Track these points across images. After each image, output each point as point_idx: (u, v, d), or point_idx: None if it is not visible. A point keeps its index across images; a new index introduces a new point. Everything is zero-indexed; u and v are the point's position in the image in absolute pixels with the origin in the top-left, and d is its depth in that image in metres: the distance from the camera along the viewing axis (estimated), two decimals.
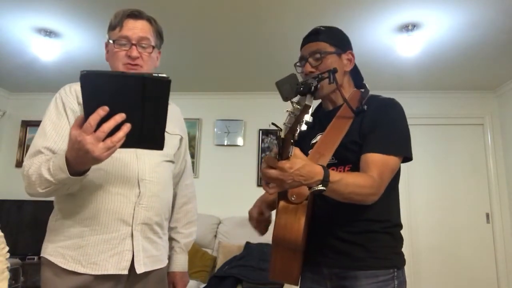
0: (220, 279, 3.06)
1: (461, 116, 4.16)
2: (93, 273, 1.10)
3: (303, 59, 1.25)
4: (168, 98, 0.87)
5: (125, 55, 1.20)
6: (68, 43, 3.23)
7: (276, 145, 0.90)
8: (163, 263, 1.28)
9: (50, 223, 1.20)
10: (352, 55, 1.27)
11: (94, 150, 0.86)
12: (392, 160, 1.12)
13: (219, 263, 3.47)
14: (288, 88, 0.79)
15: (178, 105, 1.48)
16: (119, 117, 0.85)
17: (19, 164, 4.44)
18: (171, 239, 1.42)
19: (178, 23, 2.88)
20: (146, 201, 1.18)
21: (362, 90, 1.27)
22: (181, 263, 1.42)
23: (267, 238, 1.27)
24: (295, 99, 0.81)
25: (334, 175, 0.98)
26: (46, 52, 3.19)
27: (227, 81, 4.13)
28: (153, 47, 1.25)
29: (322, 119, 1.27)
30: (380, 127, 1.14)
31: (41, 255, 1.17)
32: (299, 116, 0.78)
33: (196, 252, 3.46)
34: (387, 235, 1.17)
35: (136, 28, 1.21)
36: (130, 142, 0.90)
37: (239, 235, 3.61)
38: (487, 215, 3.97)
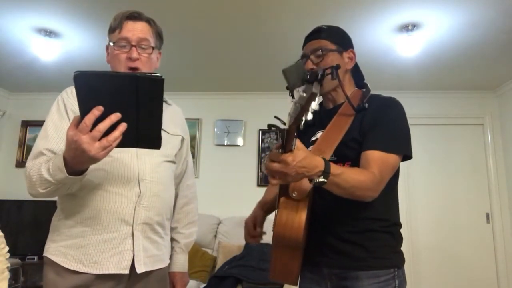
0: (220, 279, 3.06)
1: (461, 116, 4.16)
2: (94, 272, 1.11)
3: (304, 57, 1.26)
4: (162, 97, 0.89)
5: (125, 57, 1.21)
6: (68, 43, 3.23)
7: (279, 140, 0.90)
8: (164, 263, 1.29)
9: (53, 223, 1.21)
10: (354, 53, 1.28)
11: (90, 150, 0.87)
12: (392, 158, 1.12)
13: (219, 263, 3.47)
14: (294, 76, 0.78)
15: (178, 105, 1.48)
16: (115, 116, 0.87)
17: (19, 164, 4.45)
18: (171, 239, 1.42)
19: (178, 23, 2.88)
20: (146, 201, 1.19)
21: (363, 89, 1.27)
22: (181, 263, 1.42)
23: (267, 238, 1.27)
24: (301, 88, 0.81)
25: (335, 168, 0.99)
26: (46, 52, 3.19)
27: (227, 81, 4.13)
28: (153, 48, 1.26)
29: (322, 117, 1.28)
30: (381, 125, 1.15)
31: (43, 254, 1.18)
32: (305, 104, 0.77)
33: (196, 252, 3.46)
34: (387, 234, 1.17)
35: (135, 30, 1.22)
36: (127, 141, 0.91)
37: (239, 235, 3.60)
38: (487, 215, 3.97)
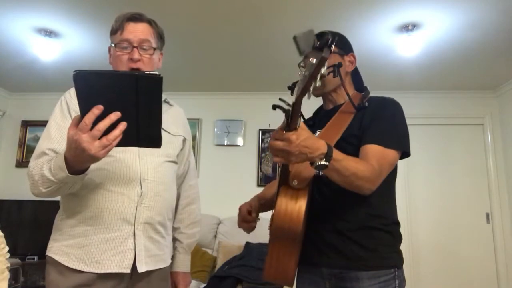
0: (220, 279, 3.06)
1: (461, 116, 4.16)
2: (96, 271, 1.12)
3: (307, 57, 1.26)
4: (161, 95, 0.89)
5: (127, 58, 1.22)
6: (68, 43, 3.23)
7: (284, 119, 0.91)
8: (166, 263, 1.29)
9: (56, 222, 1.22)
10: (354, 57, 1.31)
11: (90, 148, 0.88)
12: (391, 153, 1.13)
13: (219, 263, 3.47)
14: (305, 42, 0.77)
15: (178, 105, 1.48)
16: (114, 115, 0.87)
17: (19, 164, 4.45)
18: (174, 239, 1.43)
19: (178, 23, 2.88)
20: (148, 201, 1.20)
21: (363, 93, 1.29)
22: (183, 263, 1.43)
23: (268, 238, 1.28)
24: (311, 54, 0.79)
25: (337, 153, 0.99)
26: (46, 52, 3.19)
27: (227, 81, 4.13)
28: (154, 49, 1.27)
29: (322, 118, 1.30)
30: (380, 122, 1.17)
31: (46, 253, 1.18)
32: (314, 71, 0.76)
33: (196, 252, 3.46)
34: (386, 233, 1.17)
35: (137, 31, 1.23)
36: (127, 140, 0.91)
37: (239, 235, 3.60)
38: (487, 215, 3.97)
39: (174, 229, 1.43)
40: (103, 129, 0.87)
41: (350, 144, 1.17)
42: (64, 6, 2.69)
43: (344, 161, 1.00)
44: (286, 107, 0.86)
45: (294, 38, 0.77)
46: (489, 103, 4.15)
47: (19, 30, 3.03)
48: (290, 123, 0.90)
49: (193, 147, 4.30)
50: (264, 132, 4.31)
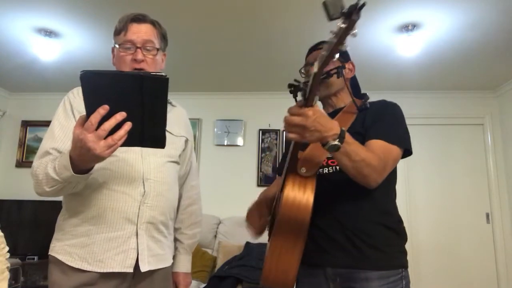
0: (220, 279, 3.06)
1: (461, 116, 4.16)
2: (99, 270, 1.12)
3: (308, 64, 1.30)
4: (166, 96, 0.89)
5: (131, 59, 1.23)
6: (68, 43, 3.23)
7: (302, 95, 0.91)
8: (167, 262, 1.29)
9: (58, 222, 1.22)
10: (353, 65, 1.35)
11: (95, 148, 0.89)
12: (395, 149, 1.13)
13: (219, 263, 3.47)
14: (334, 7, 0.77)
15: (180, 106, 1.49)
16: (120, 115, 0.88)
17: (19, 164, 4.45)
18: (175, 239, 1.43)
19: (178, 23, 2.88)
20: (151, 200, 1.20)
21: (363, 99, 1.31)
22: (184, 264, 1.44)
23: (267, 238, 1.27)
24: (339, 20, 0.77)
25: (349, 137, 0.99)
26: (46, 52, 3.19)
27: (227, 81, 4.13)
28: (158, 50, 1.28)
29: None
30: (383, 120, 1.18)
31: (49, 253, 1.19)
32: (343, 33, 0.74)
33: (196, 252, 3.45)
34: (393, 232, 1.16)
35: (140, 32, 1.24)
36: (131, 140, 0.92)
37: (239, 235, 3.61)
38: (487, 215, 3.97)
39: (175, 230, 1.43)
40: (108, 129, 0.88)
41: None
42: (64, 6, 2.69)
43: (355, 145, 1.01)
44: (306, 81, 0.85)
45: (324, 3, 0.77)
46: (489, 103, 4.15)
47: (19, 30, 3.03)
48: (308, 97, 0.89)
49: (193, 147, 4.30)
50: (264, 132, 4.31)
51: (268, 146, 4.29)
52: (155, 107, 0.89)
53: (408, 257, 1.18)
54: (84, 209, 1.16)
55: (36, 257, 3.72)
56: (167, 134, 0.96)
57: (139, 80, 0.86)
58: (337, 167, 1.18)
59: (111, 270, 1.12)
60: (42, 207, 3.81)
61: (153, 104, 0.89)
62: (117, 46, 1.26)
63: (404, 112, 1.24)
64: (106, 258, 1.13)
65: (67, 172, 0.99)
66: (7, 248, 1.17)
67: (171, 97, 1.42)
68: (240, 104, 4.41)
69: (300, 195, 1.00)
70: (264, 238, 1.35)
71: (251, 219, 1.31)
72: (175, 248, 1.43)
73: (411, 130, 1.21)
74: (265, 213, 1.29)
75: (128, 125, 0.89)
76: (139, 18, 1.26)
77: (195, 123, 4.39)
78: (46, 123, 4.43)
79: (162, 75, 0.87)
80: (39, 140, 4.44)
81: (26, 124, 4.54)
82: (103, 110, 0.87)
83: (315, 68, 0.83)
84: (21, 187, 4.09)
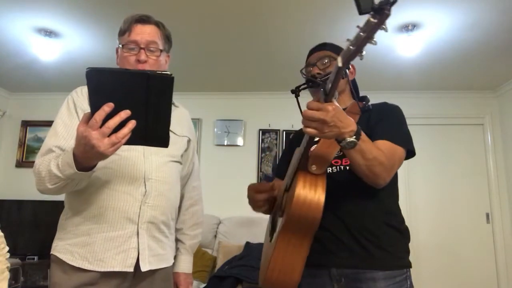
0: (220, 279, 3.06)
1: (461, 116, 4.16)
2: (99, 270, 1.12)
3: (310, 65, 1.30)
4: (171, 95, 0.90)
5: (134, 59, 1.23)
6: (68, 43, 3.23)
7: (322, 91, 0.91)
8: (168, 262, 1.29)
9: (60, 221, 1.23)
10: (354, 68, 1.35)
11: (99, 145, 0.89)
12: (399, 150, 1.14)
13: (219, 263, 3.47)
14: (365, 1, 0.75)
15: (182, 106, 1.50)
16: (124, 113, 0.88)
17: (19, 164, 4.45)
18: (176, 240, 1.43)
19: (178, 23, 2.88)
20: (152, 200, 1.20)
21: (364, 102, 1.31)
22: (185, 264, 1.44)
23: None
24: (370, 14, 0.75)
25: (364, 134, 1.00)
26: (46, 52, 3.19)
27: (227, 81, 4.13)
28: (161, 51, 1.28)
29: None
30: (387, 122, 1.19)
31: (51, 252, 1.19)
32: (373, 28, 0.72)
33: (196, 252, 3.41)
34: (398, 232, 1.17)
35: (144, 33, 1.25)
36: (135, 138, 0.92)
37: (239, 235, 3.61)
38: (487, 215, 3.97)
39: (177, 230, 1.43)
40: (112, 127, 0.88)
41: None
42: (64, 6, 2.69)
43: (369, 144, 1.01)
44: (325, 76, 0.83)
45: None
46: (489, 103, 4.15)
47: (19, 30, 3.03)
48: (330, 91, 0.89)
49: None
50: (264, 132, 4.31)
51: (268, 146, 4.29)
52: (160, 106, 0.89)
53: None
54: (86, 207, 1.16)
55: (36, 257, 3.72)
56: (170, 133, 0.96)
57: (145, 78, 0.86)
58: (341, 167, 1.19)
59: (111, 270, 1.12)
60: (42, 207, 3.81)
61: (158, 103, 0.89)
62: (121, 46, 1.27)
63: (404, 112, 1.25)
64: (107, 257, 1.13)
65: (70, 169, 0.99)
66: (7, 248, 1.17)
67: None
68: (240, 104, 4.41)
69: (312, 193, 0.99)
70: (264, 238, 1.35)
71: (257, 196, 1.24)
72: (177, 249, 1.43)
73: (411, 130, 1.22)
74: (270, 202, 1.25)
75: (132, 123, 0.89)
76: (144, 19, 1.27)
77: (195, 123, 4.39)
78: (46, 123, 4.43)
79: (167, 74, 0.87)
80: (39, 140, 4.44)
81: (26, 124, 4.54)
82: (108, 107, 0.87)
83: (339, 63, 0.81)
84: (21, 187, 4.09)
